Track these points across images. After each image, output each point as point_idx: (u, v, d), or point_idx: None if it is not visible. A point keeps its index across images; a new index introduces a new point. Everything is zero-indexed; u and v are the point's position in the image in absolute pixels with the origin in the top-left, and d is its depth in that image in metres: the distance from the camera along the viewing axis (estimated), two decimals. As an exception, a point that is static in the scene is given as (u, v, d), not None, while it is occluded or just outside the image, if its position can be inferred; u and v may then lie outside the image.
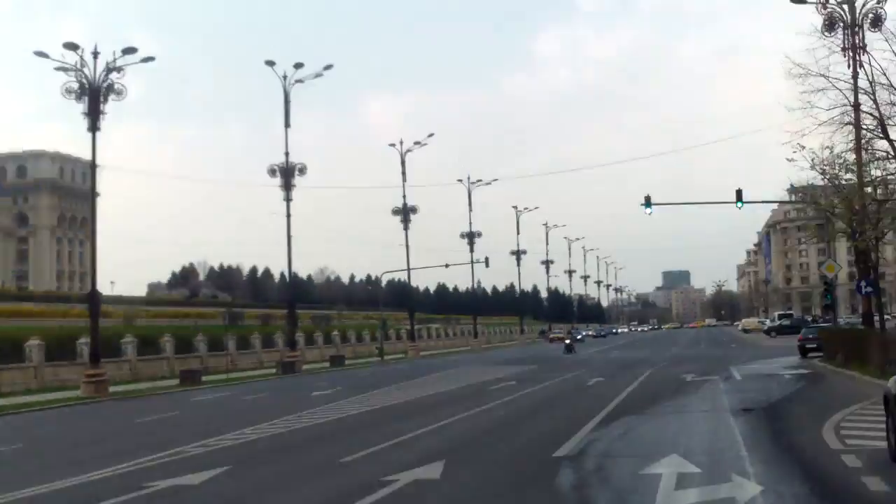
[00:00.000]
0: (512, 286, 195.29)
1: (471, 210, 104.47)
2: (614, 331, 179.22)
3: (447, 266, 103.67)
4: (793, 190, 47.15)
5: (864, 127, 31.67)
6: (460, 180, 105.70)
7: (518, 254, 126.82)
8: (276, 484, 14.95)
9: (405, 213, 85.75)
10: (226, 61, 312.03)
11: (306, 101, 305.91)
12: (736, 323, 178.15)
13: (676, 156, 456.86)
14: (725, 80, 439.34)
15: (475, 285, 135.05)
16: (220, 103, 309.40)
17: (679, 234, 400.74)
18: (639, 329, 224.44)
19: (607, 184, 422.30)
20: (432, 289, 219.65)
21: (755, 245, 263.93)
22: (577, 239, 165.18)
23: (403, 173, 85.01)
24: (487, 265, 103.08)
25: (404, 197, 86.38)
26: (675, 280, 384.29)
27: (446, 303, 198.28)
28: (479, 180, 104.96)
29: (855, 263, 41.99)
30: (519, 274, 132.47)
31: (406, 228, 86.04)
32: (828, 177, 35.87)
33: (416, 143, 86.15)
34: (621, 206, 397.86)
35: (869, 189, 34.53)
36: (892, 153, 30.31)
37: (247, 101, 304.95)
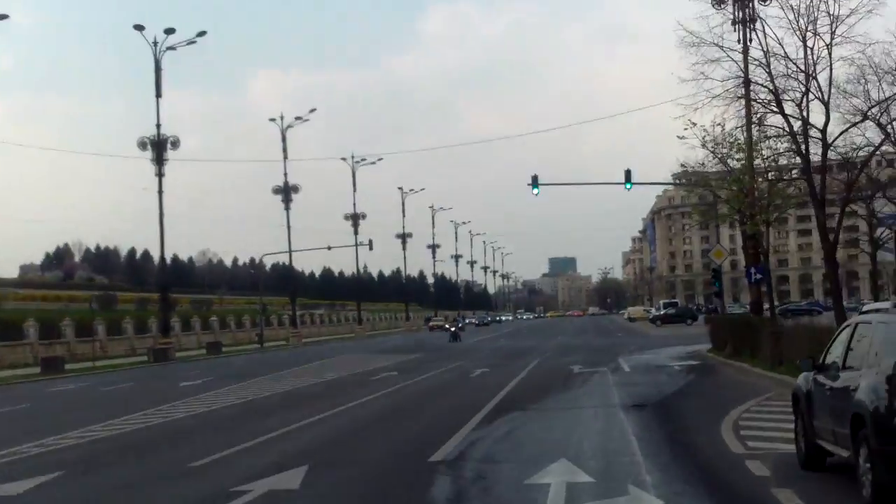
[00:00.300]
0: (399, 271, 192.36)
1: (355, 190, 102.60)
2: (498, 318, 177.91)
3: (329, 248, 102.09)
4: (680, 175, 46.23)
5: (759, 101, 30.31)
6: (344, 159, 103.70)
7: (403, 237, 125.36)
8: (108, 495, 13.19)
9: (286, 191, 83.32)
10: (104, 32, 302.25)
11: (189, 78, 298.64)
12: (622, 311, 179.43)
13: (566, 138, 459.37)
14: (616, 60, 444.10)
15: (362, 270, 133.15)
16: (97, 74, 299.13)
17: (566, 221, 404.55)
18: (524, 317, 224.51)
19: (495, 167, 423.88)
20: (318, 273, 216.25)
21: (640, 232, 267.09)
22: (464, 223, 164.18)
23: (284, 150, 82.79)
24: (371, 248, 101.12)
25: (285, 175, 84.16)
26: (562, 267, 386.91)
27: (332, 288, 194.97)
28: (363, 159, 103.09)
29: (742, 249, 41.17)
30: (405, 258, 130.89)
31: (287, 208, 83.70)
32: (718, 156, 34.76)
33: (298, 118, 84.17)
34: (509, 191, 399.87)
35: (761, 167, 33.47)
36: (786, 129, 28.89)
37: (126, 73, 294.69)
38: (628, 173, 47.35)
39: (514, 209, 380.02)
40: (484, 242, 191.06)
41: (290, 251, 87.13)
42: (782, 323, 31.80)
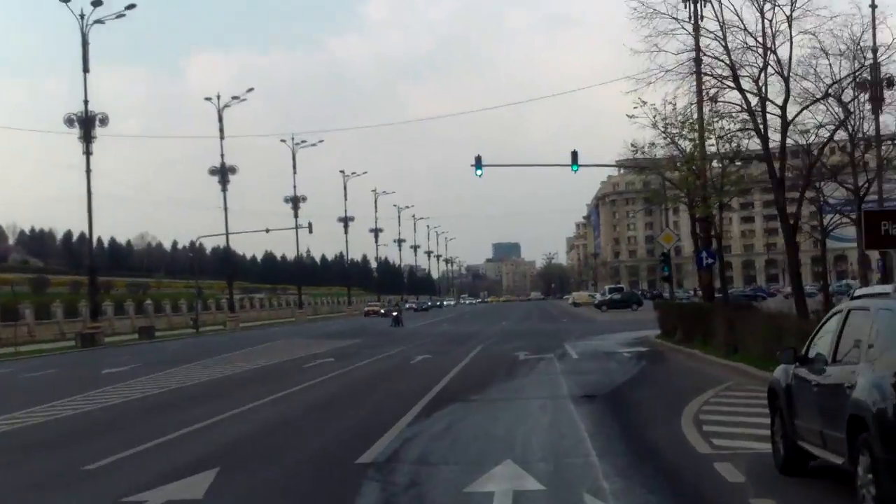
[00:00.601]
0: (342, 255, 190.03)
1: (295, 172, 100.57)
2: (439, 303, 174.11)
3: (267, 231, 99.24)
4: (626, 161, 44.85)
5: (715, 76, 28.55)
6: (283, 140, 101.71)
7: (346, 220, 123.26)
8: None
9: (223, 172, 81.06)
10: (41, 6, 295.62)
11: (130, 58, 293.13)
12: (566, 296, 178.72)
13: (512, 121, 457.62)
14: (561, 46, 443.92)
15: (305, 254, 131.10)
16: (34, 50, 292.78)
17: (511, 207, 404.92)
18: (467, 301, 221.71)
19: (439, 153, 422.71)
20: (259, 257, 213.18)
21: (585, 218, 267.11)
22: (408, 207, 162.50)
23: (221, 130, 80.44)
24: (311, 231, 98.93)
25: (222, 155, 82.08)
26: (506, 252, 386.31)
27: (274, 272, 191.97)
28: (304, 141, 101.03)
29: (692, 234, 39.96)
30: (346, 242, 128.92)
31: (224, 189, 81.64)
32: (669, 136, 33.34)
33: (235, 97, 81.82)
34: (453, 177, 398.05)
35: (713, 148, 32.07)
36: (743, 106, 27.13)
37: (62, 49, 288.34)
38: (575, 155, 45.96)
39: (458, 195, 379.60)
40: (427, 227, 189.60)
41: (227, 233, 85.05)
42: (736, 309, 30.37)
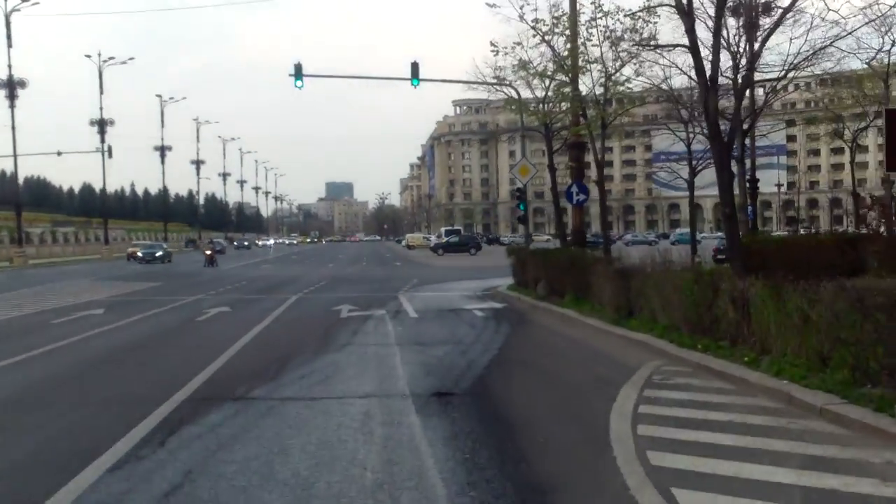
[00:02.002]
0: (166, 190, 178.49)
1: (102, 93, 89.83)
2: (247, 244, 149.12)
3: (59, 154, 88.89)
4: (493, 76, 37.51)
5: None
6: (89, 56, 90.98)
7: (162, 149, 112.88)
8: None
9: (10, 86, 70.11)
10: None
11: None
12: (398, 238, 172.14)
13: (355, 55, 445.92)
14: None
15: (128, 187, 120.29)
16: None
17: (345, 145, 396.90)
18: (287, 242, 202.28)
19: (274, 88, 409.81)
20: (77, 188, 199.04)
21: (419, 159, 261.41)
22: (234, 139, 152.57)
23: (9, 37, 69.09)
24: (111, 155, 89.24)
25: (10, 67, 71.24)
26: (339, 192, 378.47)
27: (93, 205, 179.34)
28: (112, 58, 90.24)
29: (548, 167, 33.45)
30: (163, 172, 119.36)
31: (12, 105, 70.56)
32: (540, 34, 26.31)
33: None
34: (288, 113, 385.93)
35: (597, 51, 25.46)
36: None
37: None
38: (415, 66, 38.81)
39: (292, 132, 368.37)
40: (256, 161, 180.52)
41: (15, 155, 73.79)
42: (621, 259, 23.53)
